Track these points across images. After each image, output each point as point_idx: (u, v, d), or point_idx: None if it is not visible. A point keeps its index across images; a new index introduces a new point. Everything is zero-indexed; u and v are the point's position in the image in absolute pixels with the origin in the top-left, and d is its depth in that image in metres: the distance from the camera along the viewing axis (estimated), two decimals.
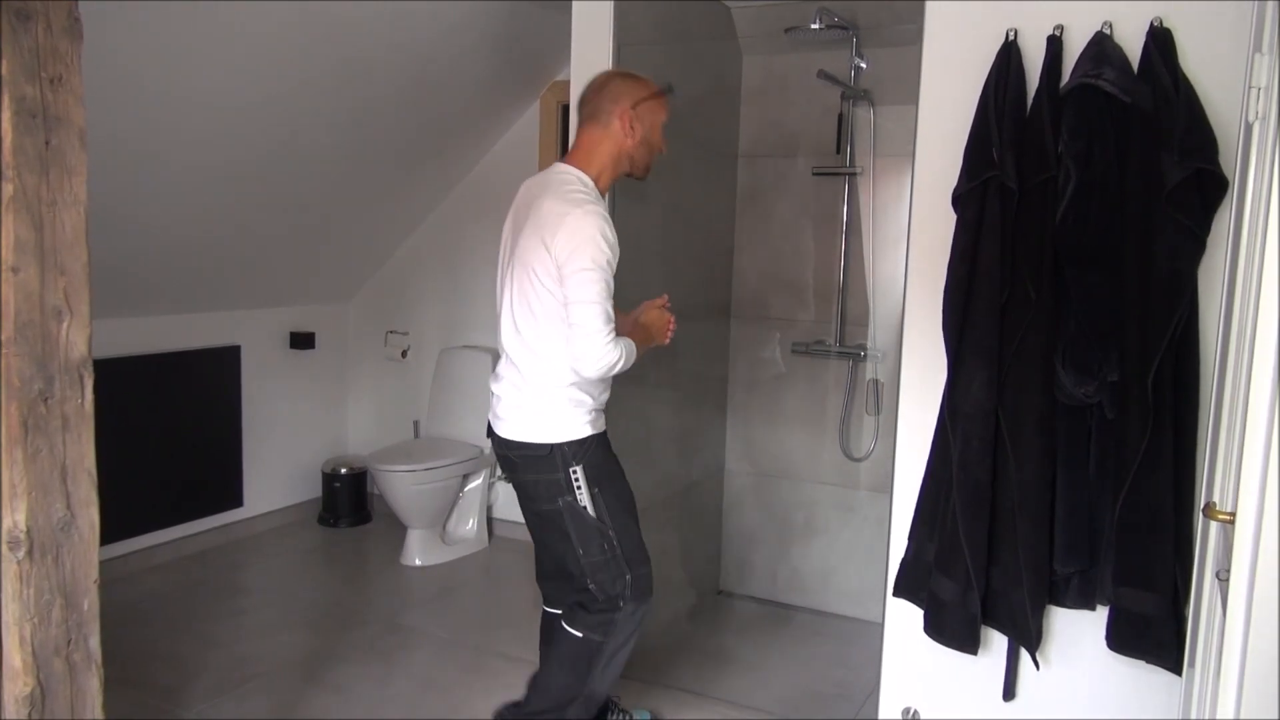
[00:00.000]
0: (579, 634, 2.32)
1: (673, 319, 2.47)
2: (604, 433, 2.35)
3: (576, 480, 2.24)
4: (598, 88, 2.32)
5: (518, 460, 2.30)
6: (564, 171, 2.27)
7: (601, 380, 2.30)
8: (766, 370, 3.70)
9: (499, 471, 4.43)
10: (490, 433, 2.37)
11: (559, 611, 2.43)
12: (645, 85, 2.33)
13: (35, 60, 1.30)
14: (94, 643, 1.42)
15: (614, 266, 2.17)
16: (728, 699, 2.97)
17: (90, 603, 1.41)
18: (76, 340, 1.38)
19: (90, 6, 1.53)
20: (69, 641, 1.38)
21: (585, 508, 2.24)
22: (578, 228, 2.12)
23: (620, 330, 2.24)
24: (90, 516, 1.40)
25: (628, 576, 2.28)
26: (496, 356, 2.27)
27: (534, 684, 2.42)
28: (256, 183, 3.43)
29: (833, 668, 3.22)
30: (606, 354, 2.14)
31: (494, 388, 2.35)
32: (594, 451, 2.28)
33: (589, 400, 2.28)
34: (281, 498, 4.44)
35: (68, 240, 1.36)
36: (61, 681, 1.38)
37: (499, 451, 2.36)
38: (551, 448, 2.24)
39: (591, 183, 2.26)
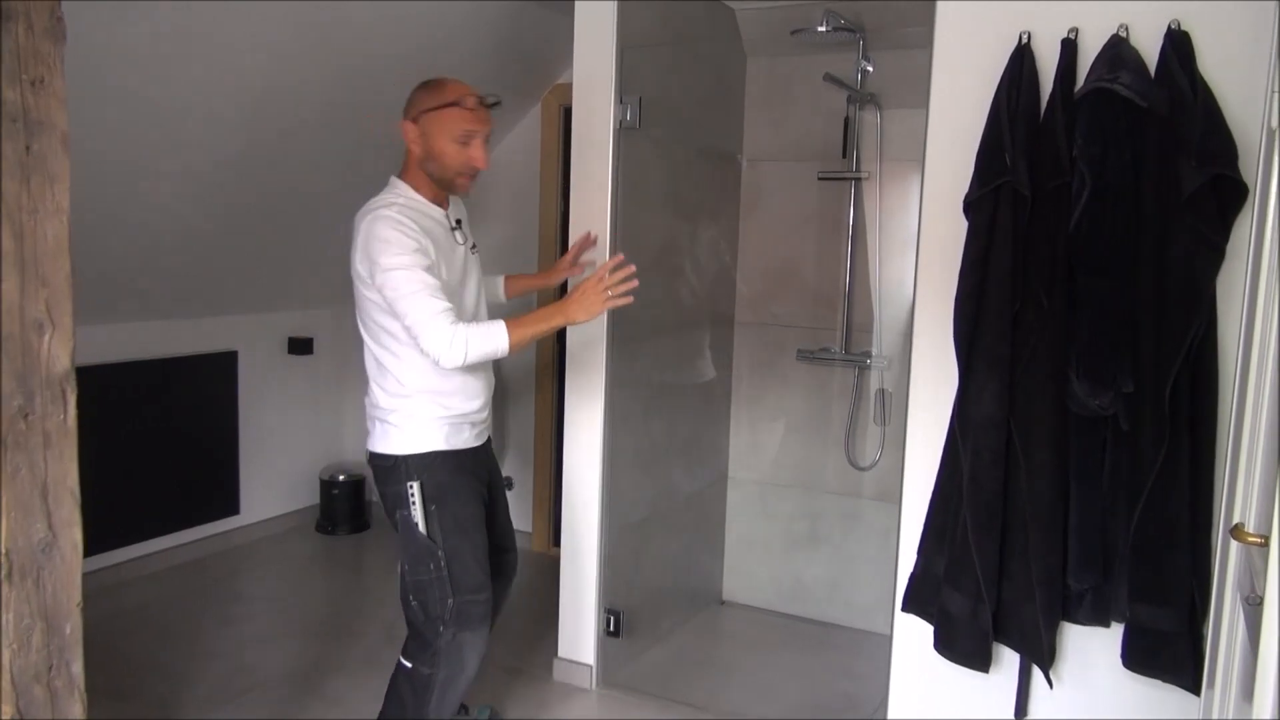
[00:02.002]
0: (409, 665, 2.28)
1: (617, 279, 2.19)
2: (464, 450, 2.28)
3: (412, 495, 2.19)
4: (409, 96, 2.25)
5: (375, 471, 2.30)
6: (388, 184, 2.26)
7: (465, 388, 2.25)
8: (770, 376, 3.65)
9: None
10: None
11: None
12: (437, 94, 2.18)
13: (16, 62, 1.24)
14: (77, 668, 1.37)
15: (425, 257, 2.09)
16: (730, 712, 2.92)
17: (73, 626, 1.35)
18: (59, 354, 1.32)
19: (74, 6, 1.48)
20: (50, 668, 1.32)
21: (417, 524, 2.19)
22: (366, 234, 2.11)
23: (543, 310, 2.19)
24: (73, 537, 1.34)
25: (450, 601, 2.20)
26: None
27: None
28: (255, 186, 3.39)
29: (838, 680, 3.17)
30: (442, 339, 2.05)
31: (364, 401, 2.35)
32: (439, 468, 2.22)
33: (443, 412, 2.22)
34: (279, 505, 4.39)
35: (50, 250, 1.30)
36: (42, 709, 1.32)
37: (368, 463, 2.35)
38: (396, 459, 2.22)
39: (408, 190, 2.22)
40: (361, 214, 2.18)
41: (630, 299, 2.21)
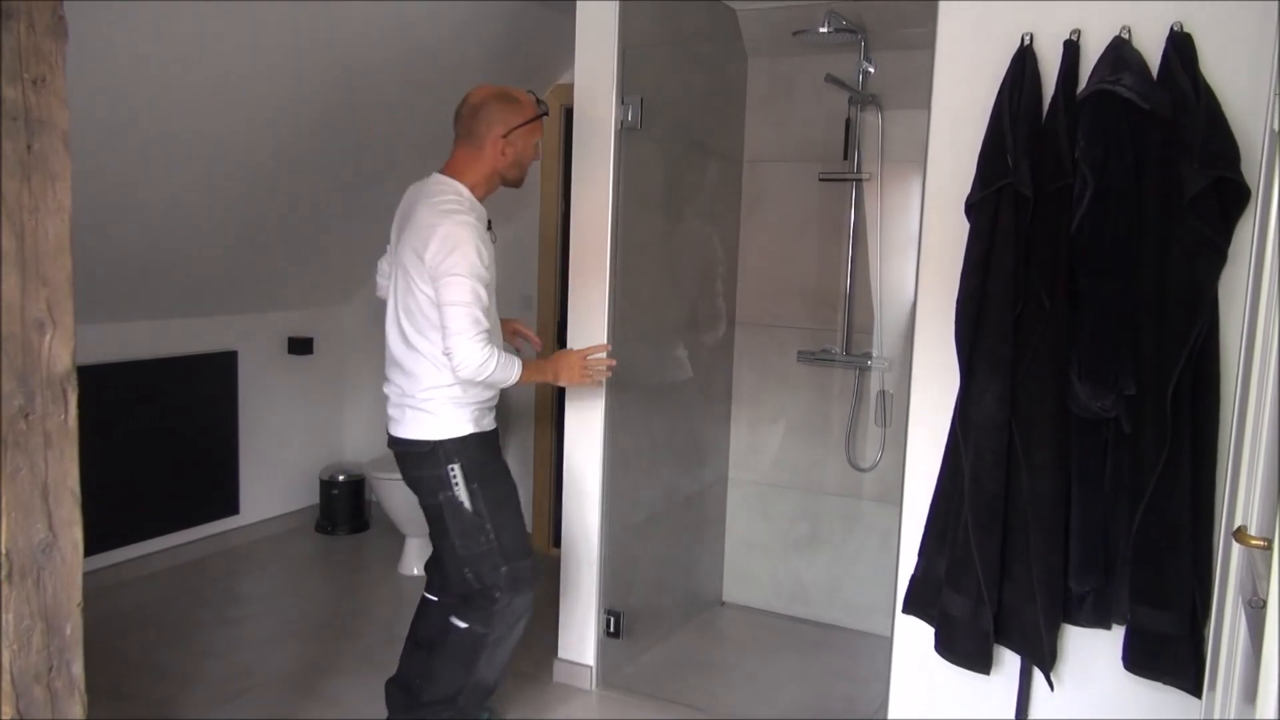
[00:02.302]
0: (464, 625, 2.42)
1: (596, 362, 2.57)
2: (489, 431, 2.45)
3: (454, 476, 2.35)
4: (473, 109, 2.36)
5: (405, 457, 2.42)
6: (441, 182, 2.36)
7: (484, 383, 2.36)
8: (771, 377, 3.64)
9: None
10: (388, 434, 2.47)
11: (436, 598, 2.56)
12: (519, 111, 2.37)
13: (16, 60, 1.24)
14: (77, 669, 1.36)
15: (489, 277, 2.27)
16: (730, 713, 2.91)
17: (73, 627, 1.35)
18: (59, 353, 1.32)
19: (76, 6, 1.47)
20: (50, 668, 1.32)
21: (463, 502, 2.35)
22: (447, 236, 2.22)
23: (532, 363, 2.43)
24: (73, 537, 1.34)
25: (503, 569, 2.38)
26: None
27: (416, 670, 2.51)
28: (256, 186, 3.38)
29: (838, 682, 3.17)
30: (476, 355, 2.22)
31: (385, 390, 2.45)
32: (474, 449, 2.38)
33: (471, 400, 2.37)
34: (278, 505, 4.39)
35: (50, 249, 1.30)
36: (42, 710, 1.32)
37: (392, 449, 2.46)
38: (433, 445, 2.35)
39: (467, 192, 2.34)
40: (437, 214, 2.25)
41: (599, 384, 2.58)
